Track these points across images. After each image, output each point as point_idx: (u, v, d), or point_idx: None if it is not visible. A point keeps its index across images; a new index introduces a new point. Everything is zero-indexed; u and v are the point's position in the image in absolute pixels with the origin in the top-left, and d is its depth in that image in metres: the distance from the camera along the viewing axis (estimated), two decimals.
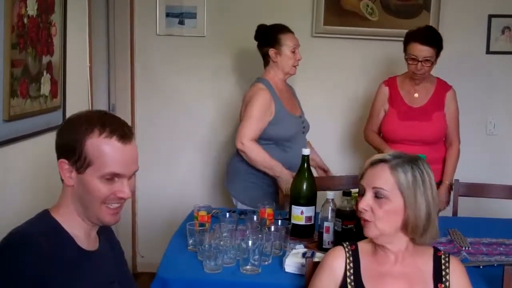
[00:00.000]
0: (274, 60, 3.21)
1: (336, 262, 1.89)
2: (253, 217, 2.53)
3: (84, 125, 1.56)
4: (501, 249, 2.44)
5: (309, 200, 2.54)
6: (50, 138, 2.88)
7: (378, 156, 1.88)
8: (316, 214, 2.56)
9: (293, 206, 2.54)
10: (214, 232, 2.31)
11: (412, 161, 1.83)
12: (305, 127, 3.31)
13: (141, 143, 4.08)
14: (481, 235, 2.56)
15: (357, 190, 2.31)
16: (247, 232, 2.29)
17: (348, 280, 1.85)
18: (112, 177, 1.56)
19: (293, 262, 2.17)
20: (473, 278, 1.93)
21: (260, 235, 2.23)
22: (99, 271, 1.66)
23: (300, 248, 2.31)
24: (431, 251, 1.91)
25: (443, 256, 1.89)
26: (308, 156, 2.57)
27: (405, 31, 3.35)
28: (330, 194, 2.38)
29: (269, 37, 3.23)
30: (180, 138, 4.16)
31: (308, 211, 2.52)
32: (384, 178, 1.81)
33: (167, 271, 2.16)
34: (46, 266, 1.48)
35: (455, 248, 2.40)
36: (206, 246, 2.16)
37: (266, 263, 2.23)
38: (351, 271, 1.86)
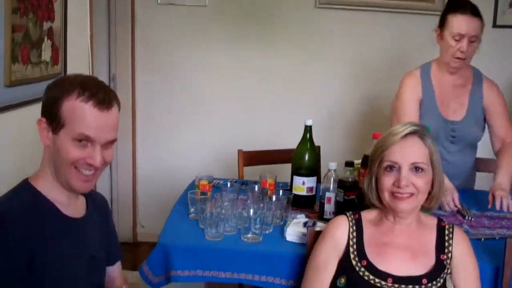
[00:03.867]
0: (438, 43, 2.74)
1: (339, 232, 1.89)
2: (255, 187, 2.52)
3: (67, 85, 1.54)
4: (503, 223, 2.43)
5: (311, 170, 2.53)
6: None
7: (406, 129, 1.82)
8: (317, 185, 2.55)
9: (294, 176, 2.53)
10: (216, 201, 2.30)
11: (426, 127, 1.86)
12: (456, 137, 2.76)
13: (142, 114, 4.13)
14: (483, 209, 2.56)
15: (359, 161, 2.32)
16: (248, 201, 2.29)
17: (351, 250, 1.85)
18: (83, 140, 1.53)
19: (294, 231, 2.17)
20: (474, 251, 1.92)
21: (261, 205, 2.22)
22: (86, 238, 1.65)
23: (301, 218, 2.30)
24: (435, 222, 1.91)
25: (447, 227, 1.89)
26: (310, 126, 2.54)
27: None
28: (332, 165, 2.36)
29: (442, 13, 2.72)
30: (181, 108, 4.14)
31: (309, 181, 2.51)
32: (420, 152, 1.81)
33: (168, 238, 2.16)
34: (28, 242, 1.46)
35: (457, 221, 2.39)
36: (208, 214, 2.15)
37: (267, 232, 2.22)
38: (354, 240, 1.86)
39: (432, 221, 1.92)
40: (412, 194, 1.81)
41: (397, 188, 1.80)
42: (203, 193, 2.39)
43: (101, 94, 1.54)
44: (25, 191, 1.57)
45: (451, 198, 2.48)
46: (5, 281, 1.44)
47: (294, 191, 2.50)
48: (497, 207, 2.37)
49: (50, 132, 1.56)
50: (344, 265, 1.84)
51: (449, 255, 1.84)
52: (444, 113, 2.76)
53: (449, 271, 1.82)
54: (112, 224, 1.89)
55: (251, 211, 2.16)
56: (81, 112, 1.52)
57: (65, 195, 1.61)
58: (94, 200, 1.75)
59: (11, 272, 1.44)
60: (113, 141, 1.60)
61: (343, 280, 1.81)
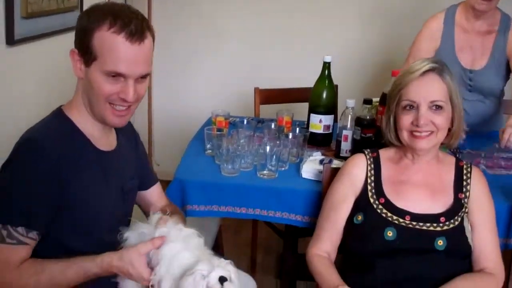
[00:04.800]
0: None
1: (357, 170, 1.88)
2: (271, 125, 2.51)
3: (98, 15, 1.47)
4: None
5: (328, 108, 2.51)
6: (66, 39, 2.86)
7: (424, 66, 1.78)
8: (334, 123, 2.54)
9: (311, 114, 2.51)
10: (232, 138, 2.30)
11: (444, 63, 1.81)
12: (473, 86, 2.69)
13: (157, 50, 4.04)
14: (500, 149, 2.53)
15: (378, 99, 2.29)
16: (265, 138, 2.28)
17: (369, 187, 1.84)
18: (116, 76, 1.48)
19: (310, 168, 2.17)
20: (491, 190, 1.90)
21: (277, 142, 2.22)
22: (116, 171, 1.64)
23: (317, 155, 2.30)
24: (453, 161, 1.90)
25: (465, 166, 1.88)
26: (329, 63, 2.51)
27: None
28: (350, 102, 2.33)
29: None
30: (198, 45, 4.10)
31: (326, 119, 2.49)
32: (439, 89, 1.77)
33: (184, 173, 2.17)
34: (60, 170, 1.46)
35: (474, 161, 2.38)
36: (224, 150, 2.16)
37: (283, 169, 2.23)
38: (372, 178, 1.85)
39: (451, 160, 1.90)
40: (431, 132, 1.79)
41: (415, 127, 1.78)
42: (219, 130, 2.38)
43: (134, 25, 1.46)
44: (59, 120, 1.55)
45: None
46: (39, 204, 1.45)
47: (311, 129, 2.49)
48: (503, 144, 2.28)
49: (83, 64, 1.50)
50: (361, 203, 1.84)
51: (467, 194, 1.83)
52: (463, 61, 2.69)
53: (466, 210, 1.82)
54: (141, 149, 1.86)
55: (267, 148, 2.15)
56: (112, 45, 1.45)
57: (98, 128, 1.59)
58: (123, 129, 1.69)
59: (44, 196, 1.45)
60: (146, 75, 1.55)
61: (360, 217, 1.81)
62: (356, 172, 1.88)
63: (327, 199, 1.91)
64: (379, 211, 1.79)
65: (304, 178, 2.17)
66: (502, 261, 1.82)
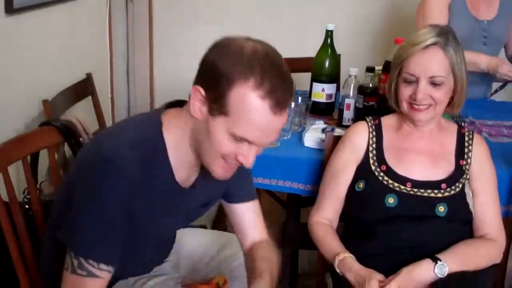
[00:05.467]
0: None
1: (358, 137, 1.88)
2: None
3: (243, 65, 1.27)
4: None
5: (331, 77, 2.50)
6: (65, 9, 2.84)
7: (427, 39, 1.75)
8: (337, 92, 2.53)
9: (314, 83, 2.50)
10: None
11: (450, 32, 1.78)
12: (487, 37, 2.69)
13: (159, 24, 4.05)
14: (503, 118, 2.53)
15: (380, 67, 2.28)
16: None
17: (370, 155, 1.84)
18: (242, 140, 1.32)
19: (312, 136, 2.17)
20: (492, 157, 1.90)
21: None
22: (187, 205, 1.54)
23: (320, 124, 2.29)
24: (455, 128, 1.89)
25: (467, 133, 1.88)
26: (332, 31, 2.48)
27: None
28: (353, 71, 2.32)
29: None
30: (200, 17, 4.06)
31: (329, 88, 2.47)
32: (440, 64, 1.75)
33: None
34: (135, 199, 1.36)
35: (476, 130, 2.37)
36: None
37: (285, 137, 2.22)
38: (374, 145, 1.85)
39: (453, 127, 1.90)
40: (430, 105, 1.78)
41: (414, 100, 1.77)
42: None
43: (281, 91, 1.27)
44: (154, 139, 1.40)
45: (506, 68, 2.51)
46: (113, 236, 1.36)
47: (313, 98, 2.48)
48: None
49: (206, 108, 1.32)
50: (362, 170, 1.84)
51: (468, 160, 1.83)
52: (475, 13, 2.68)
53: (467, 176, 1.82)
54: (239, 178, 1.58)
55: None
56: (252, 110, 1.27)
57: (188, 160, 1.44)
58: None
59: (118, 228, 1.36)
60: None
61: (361, 185, 1.82)
62: (357, 139, 1.88)
63: (329, 167, 1.91)
64: (380, 178, 1.79)
65: (307, 147, 2.17)
66: (503, 228, 1.83)
